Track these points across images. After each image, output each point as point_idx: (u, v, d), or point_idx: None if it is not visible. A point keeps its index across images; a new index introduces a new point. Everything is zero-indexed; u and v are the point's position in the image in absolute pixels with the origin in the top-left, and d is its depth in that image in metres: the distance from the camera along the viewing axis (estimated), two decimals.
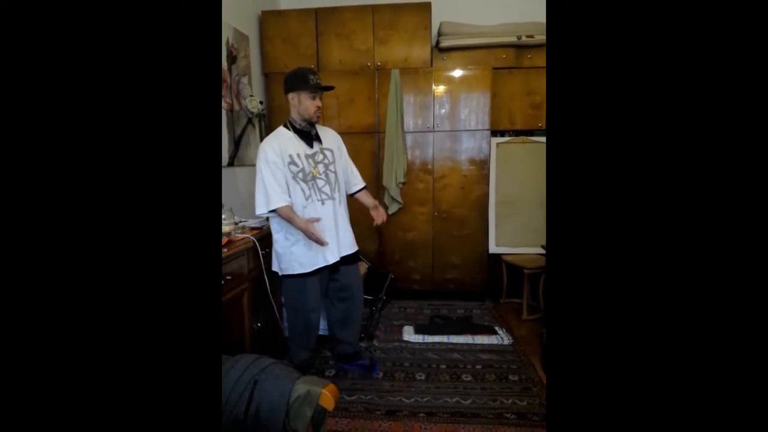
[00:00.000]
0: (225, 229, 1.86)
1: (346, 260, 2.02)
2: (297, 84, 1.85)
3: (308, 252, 1.92)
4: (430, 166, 3.14)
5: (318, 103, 1.87)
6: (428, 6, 3.01)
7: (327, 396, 1.07)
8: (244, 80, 2.84)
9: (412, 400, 1.94)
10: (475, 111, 3.05)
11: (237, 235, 1.94)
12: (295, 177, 1.87)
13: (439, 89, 3.06)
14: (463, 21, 3.18)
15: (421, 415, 1.82)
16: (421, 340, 2.54)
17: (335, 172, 1.96)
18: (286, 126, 1.93)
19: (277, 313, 2.25)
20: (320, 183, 1.92)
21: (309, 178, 1.89)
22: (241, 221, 2.15)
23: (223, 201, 1.73)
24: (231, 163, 2.65)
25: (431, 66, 3.09)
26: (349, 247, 2.04)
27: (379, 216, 2.08)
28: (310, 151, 1.91)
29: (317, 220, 1.88)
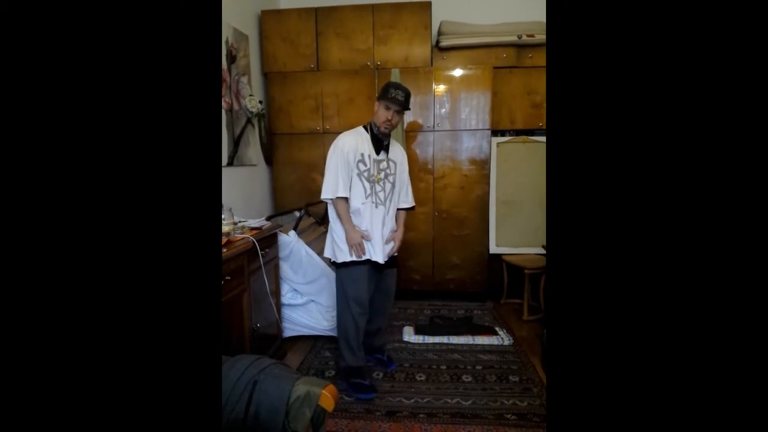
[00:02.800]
0: (224, 229, 1.86)
1: (389, 263, 2.10)
2: (381, 94, 1.97)
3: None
4: (430, 166, 3.14)
5: (389, 115, 1.94)
6: (428, 5, 3.00)
7: (326, 396, 1.06)
8: (244, 80, 2.84)
9: (413, 400, 1.93)
10: (475, 110, 3.05)
11: (236, 235, 1.93)
12: (360, 174, 1.97)
13: (440, 88, 3.05)
14: (463, 20, 3.18)
15: (421, 415, 1.82)
16: (421, 341, 2.54)
17: (392, 184, 2.06)
18: (365, 128, 2.04)
19: (276, 313, 2.25)
20: (377, 188, 2.01)
21: (372, 180, 1.99)
22: (240, 221, 2.15)
23: (223, 201, 1.73)
24: (230, 163, 2.65)
25: (431, 65, 3.09)
26: (390, 252, 2.11)
27: (395, 243, 2.12)
28: (378, 157, 2.01)
29: (368, 237, 1.98)
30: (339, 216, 1.97)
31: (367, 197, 1.98)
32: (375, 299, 2.16)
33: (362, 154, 1.96)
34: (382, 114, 1.95)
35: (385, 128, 1.96)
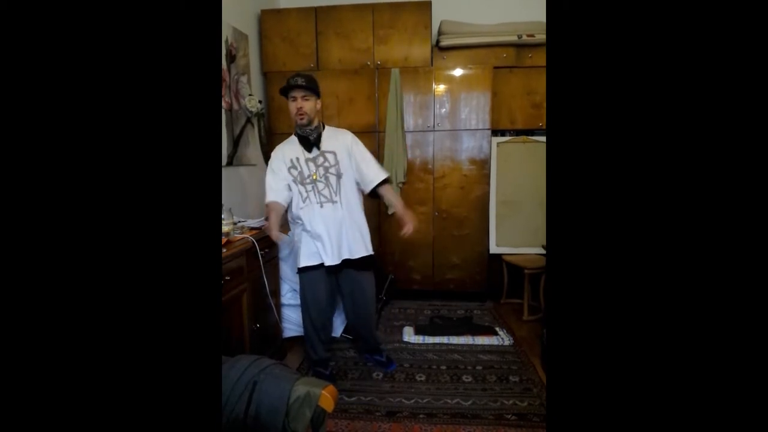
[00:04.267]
0: (224, 229, 1.86)
1: (348, 264, 2.01)
2: (281, 93, 1.93)
3: (308, 248, 2.01)
4: (430, 166, 3.14)
5: (297, 104, 1.88)
6: (428, 5, 3.00)
7: (326, 397, 1.06)
8: (243, 79, 2.84)
9: (413, 401, 1.93)
10: (475, 110, 3.05)
11: (236, 235, 1.93)
12: (295, 180, 1.97)
13: (440, 88, 3.05)
14: (463, 20, 3.18)
15: (421, 416, 1.82)
16: (421, 341, 2.54)
17: (337, 176, 1.96)
18: (294, 133, 2.03)
19: (276, 313, 2.25)
20: (320, 186, 1.96)
21: (308, 181, 1.96)
22: (240, 221, 2.15)
23: (222, 201, 1.72)
24: (230, 163, 2.64)
25: (431, 65, 3.09)
26: (354, 252, 2.01)
27: (407, 225, 1.97)
28: (310, 155, 1.98)
29: (280, 237, 1.93)
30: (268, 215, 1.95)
31: (304, 201, 1.95)
32: (346, 309, 2.23)
33: (292, 160, 1.96)
34: (291, 108, 1.90)
35: (301, 119, 1.89)
